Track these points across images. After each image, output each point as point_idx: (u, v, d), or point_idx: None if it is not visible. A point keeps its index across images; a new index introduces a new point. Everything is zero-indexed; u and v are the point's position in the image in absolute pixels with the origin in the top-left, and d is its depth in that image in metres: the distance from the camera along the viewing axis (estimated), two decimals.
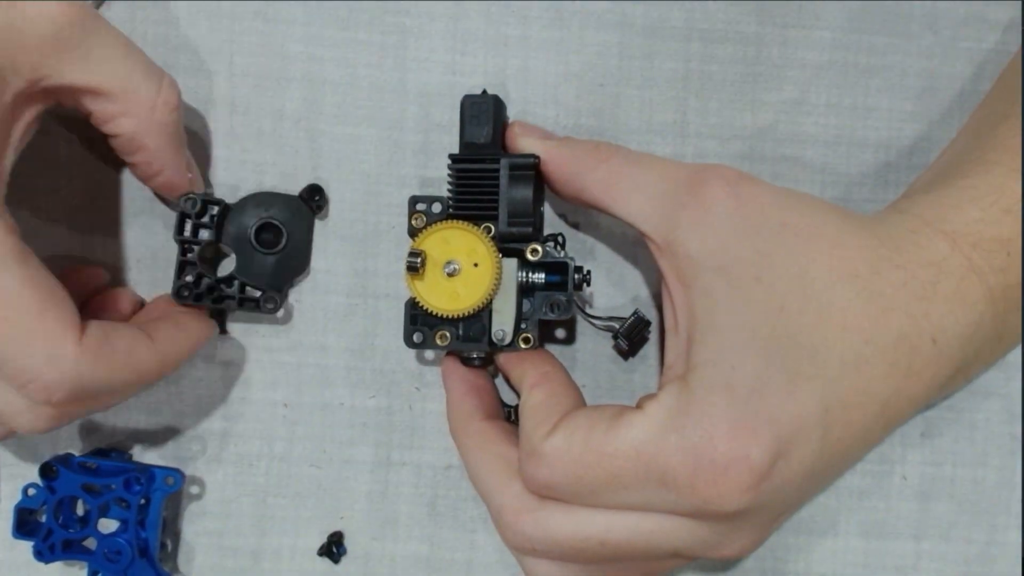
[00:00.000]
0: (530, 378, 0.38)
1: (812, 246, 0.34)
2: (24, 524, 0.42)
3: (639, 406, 0.35)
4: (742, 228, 0.34)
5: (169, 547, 0.44)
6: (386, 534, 0.44)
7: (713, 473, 0.32)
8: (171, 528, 0.44)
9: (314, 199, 0.43)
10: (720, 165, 0.36)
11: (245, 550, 0.44)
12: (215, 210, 0.41)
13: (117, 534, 0.42)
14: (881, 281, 0.34)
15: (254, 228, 0.42)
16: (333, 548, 0.44)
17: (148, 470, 0.41)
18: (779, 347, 0.33)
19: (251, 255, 0.42)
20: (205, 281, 0.42)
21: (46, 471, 0.41)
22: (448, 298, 0.39)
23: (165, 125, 0.39)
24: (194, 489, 0.44)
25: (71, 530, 0.42)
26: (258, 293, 0.42)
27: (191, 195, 0.41)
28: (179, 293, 0.41)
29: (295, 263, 0.43)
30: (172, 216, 0.43)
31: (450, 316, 0.39)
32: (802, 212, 0.35)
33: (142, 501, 0.42)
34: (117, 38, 0.38)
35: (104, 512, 0.42)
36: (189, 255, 0.41)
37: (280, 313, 0.43)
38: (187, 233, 0.41)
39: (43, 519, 0.42)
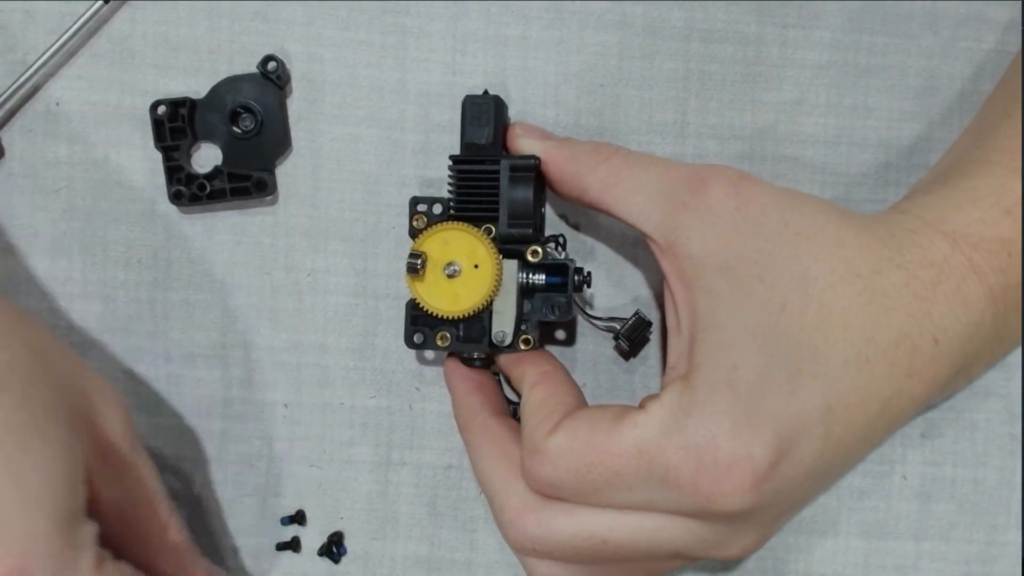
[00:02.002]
0: (530, 377, 0.38)
1: (814, 246, 0.34)
2: None
3: (642, 406, 0.35)
4: (744, 228, 0.34)
5: None
6: (386, 534, 0.44)
7: (715, 473, 0.32)
8: None
9: (272, 72, 0.42)
10: (721, 165, 0.36)
11: (246, 550, 0.44)
12: (184, 110, 0.42)
13: None
14: (883, 281, 0.34)
15: (228, 114, 0.42)
16: (333, 548, 0.44)
17: None
18: (781, 346, 0.33)
19: (232, 143, 0.42)
20: (197, 181, 0.42)
21: None
22: (448, 299, 0.39)
23: None
24: (194, 489, 0.44)
25: None
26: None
27: (159, 102, 0.41)
28: (177, 197, 0.42)
29: (276, 140, 0.43)
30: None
31: (450, 317, 0.39)
32: (804, 212, 0.35)
33: None
34: None
35: None
36: (173, 159, 0.42)
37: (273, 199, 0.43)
38: (169, 141, 0.42)
39: None
